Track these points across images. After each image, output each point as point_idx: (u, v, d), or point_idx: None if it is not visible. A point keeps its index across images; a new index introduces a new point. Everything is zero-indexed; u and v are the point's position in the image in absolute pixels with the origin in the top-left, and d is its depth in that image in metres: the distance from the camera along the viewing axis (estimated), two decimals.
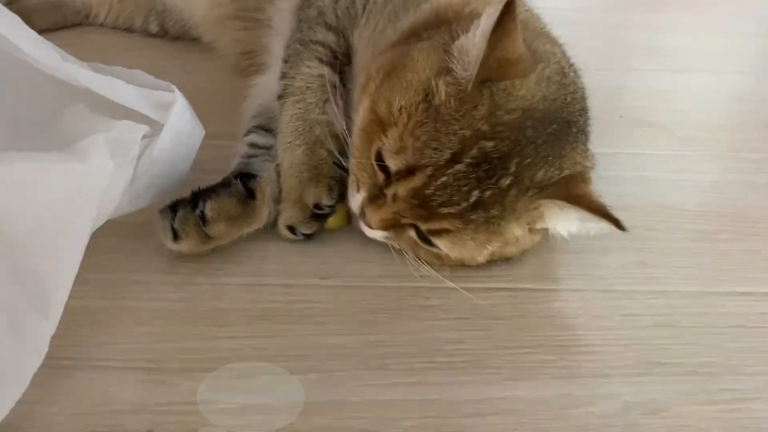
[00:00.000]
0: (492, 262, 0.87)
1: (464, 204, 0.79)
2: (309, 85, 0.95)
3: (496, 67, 0.78)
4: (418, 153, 0.78)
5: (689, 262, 0.96)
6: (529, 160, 0.80)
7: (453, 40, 0.82)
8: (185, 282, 0.84)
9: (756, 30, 1.82)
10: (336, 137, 0.92)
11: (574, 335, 0.83)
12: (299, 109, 0.94)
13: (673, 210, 1.04)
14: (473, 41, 0.78)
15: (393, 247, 0.88)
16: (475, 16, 0.82)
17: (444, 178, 0.78)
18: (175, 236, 0.84)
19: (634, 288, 0.90)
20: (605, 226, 0.79)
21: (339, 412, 0.72)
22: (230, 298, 0.83)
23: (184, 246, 0.84)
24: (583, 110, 0.88)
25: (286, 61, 0.99)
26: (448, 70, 0.80)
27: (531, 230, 0.85)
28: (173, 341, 0.77)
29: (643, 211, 1.02)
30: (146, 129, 0.84)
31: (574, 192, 0.81)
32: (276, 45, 1.08)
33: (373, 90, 0.84)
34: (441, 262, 0.86)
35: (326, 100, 0.93)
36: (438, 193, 0.79)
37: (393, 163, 0.80)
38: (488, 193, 0.79)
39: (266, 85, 1.06)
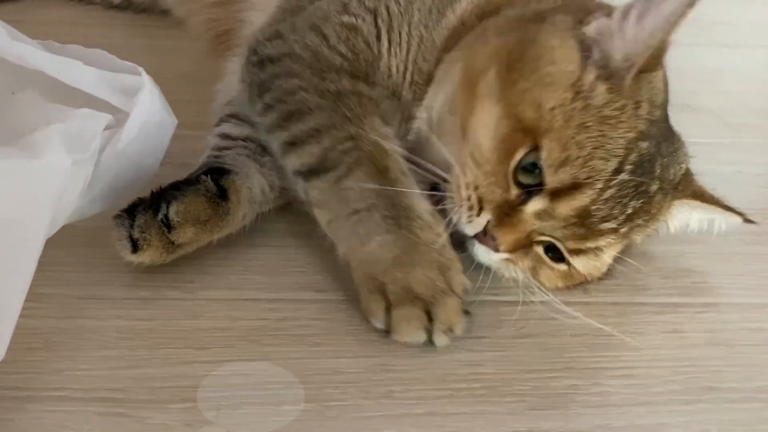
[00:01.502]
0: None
1: (622, 217, 0.81)
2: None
3: (656, 57, 0.80)
4: (585, 165, 0.78)
5: (744, 269, 0.95)
6: (666, 159, 0.84)
7: (581, 23, 0.83)
8: (155, 297, 0.83)
9: None
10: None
11: (610, 356, 0.82)
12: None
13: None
14: (640, 25, 0.78)
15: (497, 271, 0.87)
16: None
17: (610, 191, 0.79)
18: (135, 246, 0.81)
19: (679, 300, 0.90)
20: (732, 221, 0.89)
21: None
22: (208, 315, 0.82)
23: (146, 257, 0.82)
24: None
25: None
26: (590, 57, 0.81)
27: None
28: (141, 367, 0.76)
29: None
30: (109, 118, 0.83)
31: (698, 189, 0.89)
32: (256, 22, 1.07)
33: (498, 89, 0.82)
34: (564, 283, 0.87)
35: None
36: (602, 208, 0.80)
37: (554, 179, 0.79)
38: (641, 201, 0.82)
39: None
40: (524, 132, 0.80)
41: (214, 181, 0.86)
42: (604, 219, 0.81)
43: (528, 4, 0.92)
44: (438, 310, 0.78)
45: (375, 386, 0.76)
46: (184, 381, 0.75)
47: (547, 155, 0.79)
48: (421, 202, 0.83)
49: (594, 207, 0.80)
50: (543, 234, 0.83)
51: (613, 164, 0.79)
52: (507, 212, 0.82)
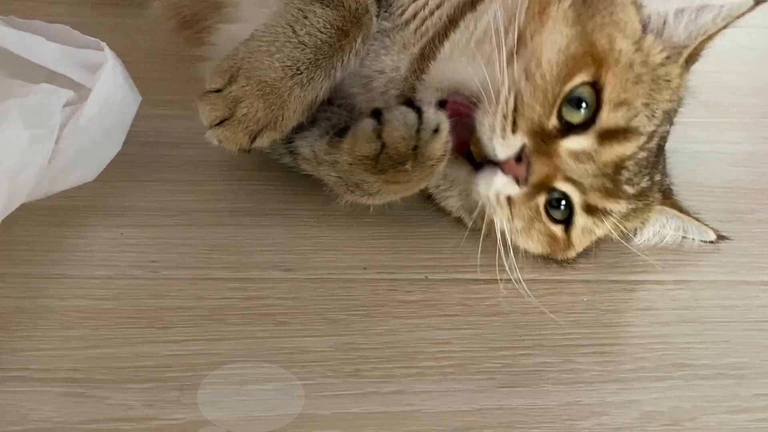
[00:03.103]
0: None
1: (638, 187, 0.82)
2: None
3: (695, 54, 0.83)
4: (636, 114, 0.79)
5: (717, 246, 0.94)
6: (663, 158, 0.87)
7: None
8: (118, 276, 0.81)
9: None
10: None
11: (581, 334, 0.82)
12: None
13: (698, 187, 1.03)
14: (695, 21, 0.81)
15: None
16: None
17: (643, 153, 0.80)
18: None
19: (652, 278, 0.89)
20: (705, 235, 0.91)
21: (304, 427, 0.70)
22: (172, 295, 0.80)
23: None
24: None
25: None
26: (645, 27, 0.82)
27: None
28: (103, 347, 0.74)
29: None
30: (70, 94, 0.82)
31: (677, 203, 0.91)
32: None
33: (574, 16, 0.80)
34: (545, 249, 0.86)
35: None
36: (632, 168, 0.80)
37: (610, 117, 0.78)
38: (648, 182, 0.83)
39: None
40: (592, 58, 0.78)
41: None
42: (629, 181, 0.81)
43: None
44: (239, 119, 0.80)
45: (342, 365, 0.75)
46: (145, 361, 0.73)
47: (610, 90, 0.78)
48: (328, 85, 0.84)
49: (630, 162, 0.80)
50: (569, 179, 0.80)
51: (651, 127, 0.80)
52: (543, 140, 0.79)
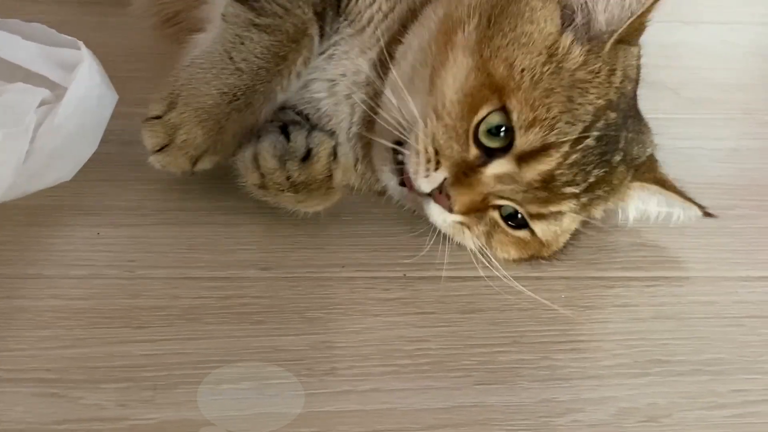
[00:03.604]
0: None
1: (584, 184, 0.80)
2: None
3: (636, 29, 0.80)
4: (554, 127, 0.77)
5: (697, 242, 0.94)
6: (631, 134, 0.84)
7: None
8: (94, 276, 0.81)
9: None
10: None
11: (558, 330, 0.81)
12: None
13: (680, 183, 1.01)
14: None
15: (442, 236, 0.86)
16: None
17: (575, 156, 0.79)
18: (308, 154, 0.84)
19: (630, 274, 0.89)
20: (691, 213, 0.89)
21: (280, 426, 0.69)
22: (148, 294, 0.80)
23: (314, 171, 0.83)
24: None
25: None
26: (570, 23, 0.80)
27: None
28: (77, 346, 0.74)
29: None
30: (45, 93, 0.82)
31: (660, 177, 0.89)
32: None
33: (475, 42, 0.80)
34: (518, 253, 0.86)
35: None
36: (566, 173, 0.79)
37: (523, 140, 0.78)
38: (603, 170, 0.81)
39: None
40: (492, 89, 0.78)
41: None
42: (567, 183, 0.80)
43: None
44: (179, 145, 0.82)
45: (318, 363, 0.75)
46: (119, 360, 0.73)
47: (518, 115, 0.77)
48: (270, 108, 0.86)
49: (559, 171, 0.79)
50: (502, 197, 0.81)
51: (578, 129, 0.78)
52: (465, 172, 0.80)
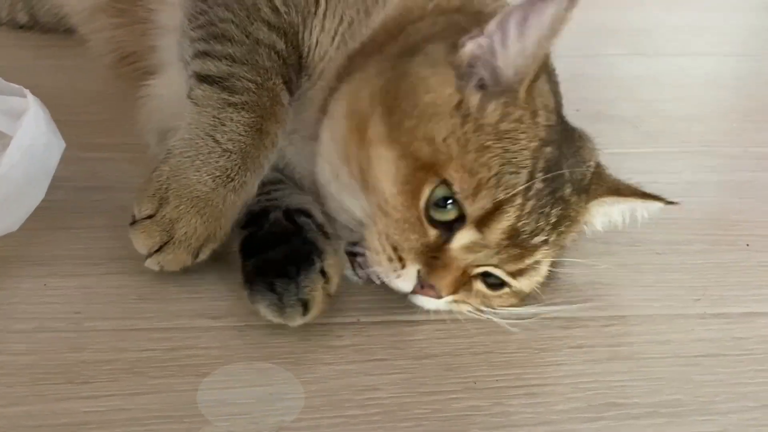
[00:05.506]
0: None
1: (548, 227, 0.80)
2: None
3: (542, 67, 0.79)
4: (499, 184, 0.76)
5: (653, 279, 0.94)
6: (570, 160, 0.83)
7: (456, 47, 0.80)
8: (39, 329, 0.79)
9: (741, 4, 1.82)
10: None
11: (512, 374, 0.80)
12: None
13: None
14: (523, 37, 0.76)
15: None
16: (450, 11, 0.88)
17: (530, 203, 0.78)
18: (305, 308, 0.79)
19: (586, 314, 0.88)
20: (654, 207, 0.89)
21: None
22: (94, 347, 0.78)
23: (315, 312, 0.80)
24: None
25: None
26: (471, 78, 0.79)
27: None
28: (18, 404, 0.71)
29: None
30: None
31: (613, 184, 0.89)
32: (167, 45, 1.03)
33: (387, 132, 0.79)
34: (518, 300, 0.86)
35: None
36: (528, 222, 0.78)
37: (474, 207, 0.77)
38: (560, 207, 0.81)
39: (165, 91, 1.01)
40: (425, 169, 0.77)
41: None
42: (533, 233, 0.79)
43: (407, 37, 0.88)
44: (180, 240, 0.80)
45: (266, 416, 0.73)
46: (62, 418, 0.71)
47: (459, 185, 0.76)
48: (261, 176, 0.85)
49: (520, 223, 0.78)
50: (479, 265, 0.81)
51: (524, 176, 0.77)
52: (434, 255, 0.79)
